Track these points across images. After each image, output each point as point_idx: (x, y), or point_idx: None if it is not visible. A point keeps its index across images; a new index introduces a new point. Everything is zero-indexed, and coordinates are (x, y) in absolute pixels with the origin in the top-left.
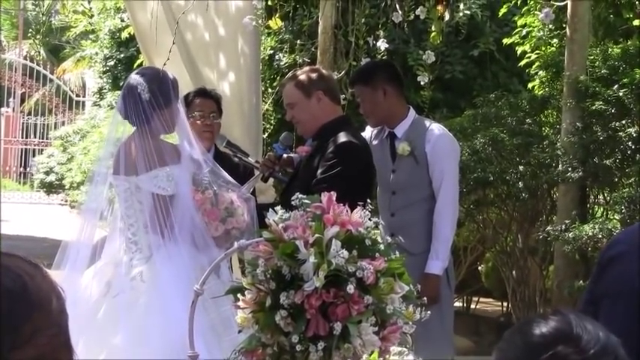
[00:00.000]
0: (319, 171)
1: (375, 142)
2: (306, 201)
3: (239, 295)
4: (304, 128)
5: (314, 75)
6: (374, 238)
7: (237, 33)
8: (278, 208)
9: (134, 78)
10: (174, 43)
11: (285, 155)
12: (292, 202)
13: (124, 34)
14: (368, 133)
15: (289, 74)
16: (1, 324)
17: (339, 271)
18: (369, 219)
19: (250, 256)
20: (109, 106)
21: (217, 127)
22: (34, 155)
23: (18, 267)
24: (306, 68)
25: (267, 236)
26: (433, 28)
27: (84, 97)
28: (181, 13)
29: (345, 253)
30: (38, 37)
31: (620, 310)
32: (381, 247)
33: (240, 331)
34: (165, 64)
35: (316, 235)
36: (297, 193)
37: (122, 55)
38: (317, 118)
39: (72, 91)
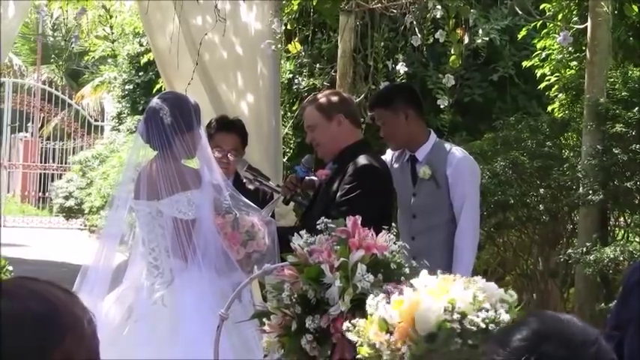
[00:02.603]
0: (339, 194)
1: (395, 166)
2: (332, 225)
3: (264, 320)
4: (324, 151)
5: (335, 98)
6: (399, 262)
7: (255, 55)
8: (303, 232)
9: (156, 102)
10: (197, 64)
11: (306, 178)
12: (317, 226)
13: (143, 59)
14: (388, 156)
15: (310, 97)
16: (30, 347)
17: (365, 295)
18: (394, 243)
19: (274, 280)
20: (127, 130)
21: (234, 163)
22: (52, 180)
23: (48, 291)
24: (327, 91)
25: (293, 260)
26: (452, 52)
27: (102, 121)
28: (203, 33)
29: (371, 277)
30: (58, 62)
31: None
32: (407, 270)
33: (265, 356)
34: (186, 90)
35: (341, 259)
36: (323, 217)
37: (141, 80)
38: (337, 141)
39: (90, 116)
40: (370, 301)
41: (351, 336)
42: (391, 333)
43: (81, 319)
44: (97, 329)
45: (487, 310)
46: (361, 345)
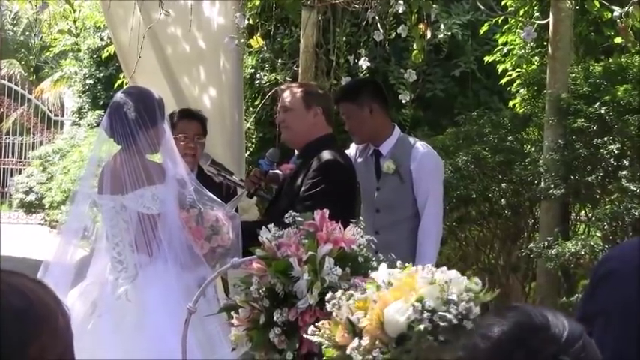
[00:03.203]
0: (303, 189)
1: (359, 160)
2: (299, 218)
3: (232, 313)
4: (290, 136)
5: (319, 91)
6: (367, 255)
7: (218, 49)
8: (271, 226)
9: (120, 96)
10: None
11: (270, 171)
12: (285, 220)
13: (104, 54)
14: (353, 150)
15: (294, 83)
16: (10, 344)
17: (333, 288)
18: (362, 236)
19: (240, 274)
20: (88, 125)
21: (201, 147)
22: (12, 175)
23: (24, 285)
24: (313, 83)
25: (261, 254)
26: (415, 47)
27: (62, 116)
28: (165, 27)
29: (339, 270)
30: (18, 56)
31: (615, 328)
32: (374, 264)
33: (233, 349)
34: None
35: (309, 253)
36: (290, 211)
37: (102, 74)
38: (307, 132)
39: (50, 111)
40: (329, 298)
41: (316, 339)
42: (359, 335)
43: (55, 311)
44: (70, 321)
45: (456, 304)
46: (327, 347)
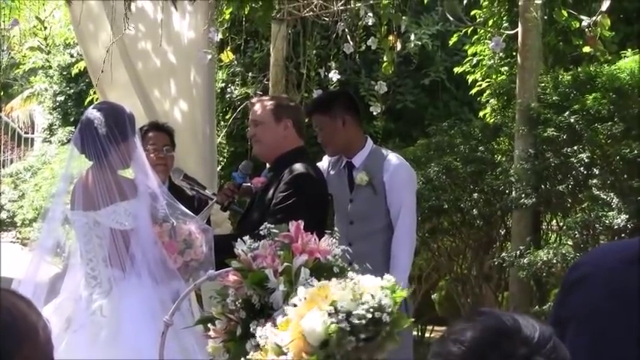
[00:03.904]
0: (274, 201)
1: (332, 172)
2: (275, 230)
3: (209, 325)
4: (261, 150)
5: (289, 103)
6: (342, 266)
7: (189, 63)
8: (246, 238)
9: (91, 112)
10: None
11: (244, 184)
12: (260, 232)
13: (74, 70)
14: (325, 162)
15: (264, 96)
16: None
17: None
18: (336, 247)
19: (216, 286)
20: (59, 142)
21: (171, 160)
22: None
23: (7, 300)
24: (283, 96)
25: (237, 266)
26: (385, 59)
27: (33, 133)
28: (136, 42)
29: (315, 281)
30: None
31: (587, 332)
32: (350, 274)
33: None
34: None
35: (285, 264)
36: (266, 223)
37: (72, 91)
38: (278, 145)
39: (20, 128)
40: (260, 333)
41: None
42: (286, 354)
43: (36, 325)
44: (51, 335)
45: (367, 301)
46: None
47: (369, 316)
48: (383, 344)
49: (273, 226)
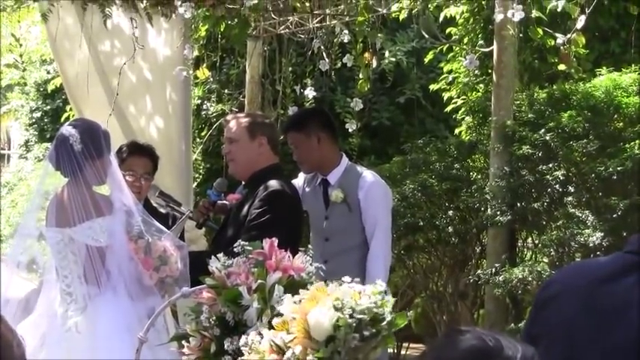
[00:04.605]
0: (248, 218)
1: (307, 189)
2: (248, 247)
3: (183, 342)
4: (237, 167)
5: (263, 120)
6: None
7: (164, 80)
8: (220, 255)
9: (66, 129)
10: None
11: (219, 202)
12: (235, 249)
13: (50, 86)
14: (301, 180)
15: (239, 113)
16: None
17: (282, 316)
18: (310, 264)
19: (191, 303)
20: (35, 158)
21: (147, 186)
22: None
23: None
24: (257, 113)
25: (211, 283)
26: (360, 76)
27: (9, 149)
28: (112, 59)
29: (289, 297)
30: None
31: (557, 349)
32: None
33: None
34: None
35: (259, 281)
36: (240, 240)
37: (48, 107)
38: (253, 162)
39: None
40: (243, 344)
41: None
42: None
43: (11, 342)
44: (25, 351)
45: (368, 296)
46: None
47: (375, 310)
48: (380, 343)
49: (247, 243)
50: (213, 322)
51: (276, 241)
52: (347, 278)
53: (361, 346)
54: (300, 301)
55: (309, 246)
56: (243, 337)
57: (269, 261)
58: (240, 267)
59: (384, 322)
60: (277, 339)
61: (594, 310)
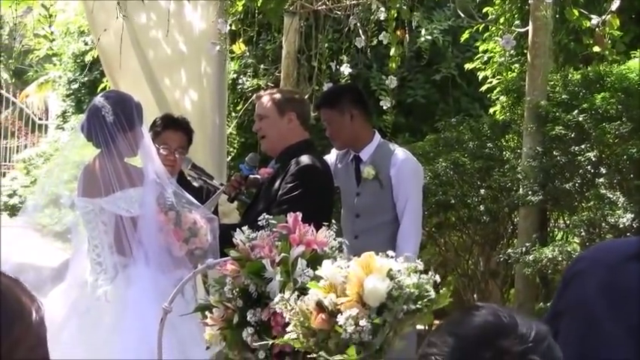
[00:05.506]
0: (280, 192)
1: (340, 166)
2: (273, 221)
3: (207, 313)
4: (268, 143)
5: (292, 96)
6: (338, 258)
7: (200, 54)
8: (245, 228)
9: (98, 100)
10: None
11: (251, 176)
12: (259, 223)
13: (88, 57)
14: (333, 156)
15: (270, 89)
16: None
17: (305, 290)
18: (334, 239)
19: (217, 275)
20: (72, 129)
21: (180, 160)
22: None
23: None
24: (287, 89)
25: (235, 255)
26: (392, 53)
27: (47, 120)
28: (147, 31)
29: (311, 271)
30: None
31: (576, 325)
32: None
33: (207, 348)
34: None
35: (282, 255)
36: (264, 214)
37: (85, 79)
38: (283, 138)
39: (35, 115)
40: (278, 300)
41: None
42: (338, 314)
43: (29, 307)
44: (44, 317)
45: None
46: (296, 339)
47: (427, 286)
48: (419, 319)
49: (271, 216)
50: (236, 293)
51: (300, 215)
52: (391, 253)
53: (403, 320)
54: (348, 266)
55: (333, 221)
56: (279, 294)
57: (293, 235)
58: (264, 240)
59: (427, 299)
60: (327, 300)
61: (615, 288)
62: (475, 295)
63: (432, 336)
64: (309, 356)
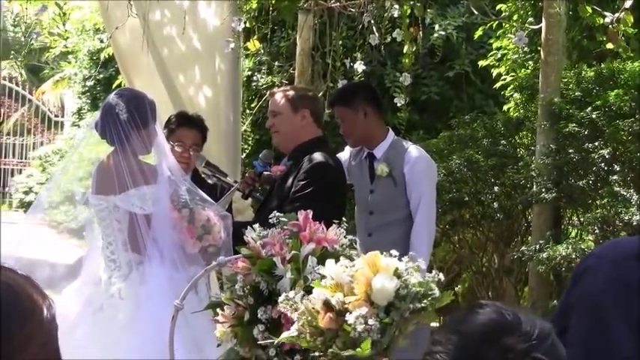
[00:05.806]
0: (293, 190)
1: (353, 163)
2: (284, 219)
3: (218, 310)
4: (280, 140)
5: (306, 93)
6: (349, 255)
7: (214, 50)
8: (256, 225)
9: (112, 98)
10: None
11: (264, 173)
12: (270, 220)
13: (103, 55)
14: (347, 153)
15: (285, 87)
16: None
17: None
18: (344, 237)
19: (229, 272)
20: (87, 126)
21: (195, 158)
22: (12, 175)
23: (10, 278)
24: (300, 86)
25: (246, 253)
26: (405, 50)
27: (63, 117)
28: (162, 28)
29: (322, 269)
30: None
31: (585, 322)
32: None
33: (219, 345)
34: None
35: (293, 252)
36: (275, 212)
37: (101, 76)
38: (296, 135)
39: (51, 112)
40: (282, 300)
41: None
42: (345, 313)
43: (40, 304)
44: (56, 314)
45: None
46: (303, 338)
47: (432, 284)
48: (424, 318)
49: (282, 214)
50: (247, 291)
51: (310, 212)
52: (394, 252)
53: (408, 318)
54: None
55: (344, 219)
56: (284, 294)
57: (303, 232)
58: (275, 238)
59: (431, 298)
60: (334, 299)
61: (622, 284)
62: (490, 293)
63: (437, 334)
64: (317, 353)
